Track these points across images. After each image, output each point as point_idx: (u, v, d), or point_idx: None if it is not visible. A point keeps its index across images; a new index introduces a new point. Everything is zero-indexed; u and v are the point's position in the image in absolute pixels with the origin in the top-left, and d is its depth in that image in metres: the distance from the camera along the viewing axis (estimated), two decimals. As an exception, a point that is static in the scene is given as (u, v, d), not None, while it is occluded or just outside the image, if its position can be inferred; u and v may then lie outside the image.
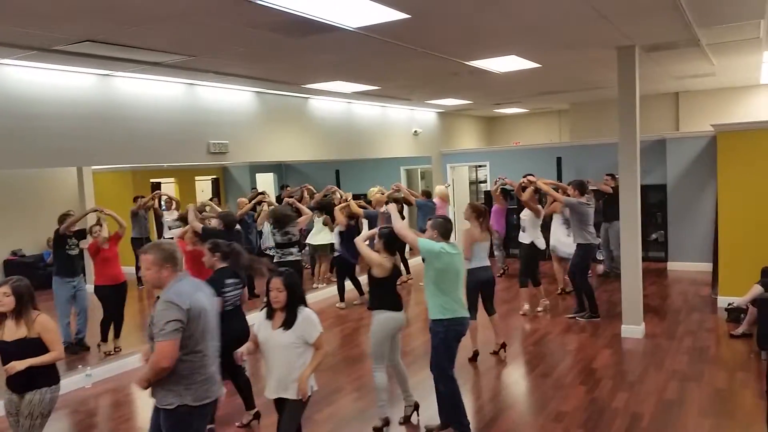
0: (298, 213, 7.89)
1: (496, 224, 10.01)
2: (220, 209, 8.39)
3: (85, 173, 8.48)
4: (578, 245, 7.50)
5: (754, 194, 7.54)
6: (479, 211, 6.13)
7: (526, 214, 7.95)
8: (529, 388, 5.58)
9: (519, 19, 5.22)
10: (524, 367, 6.15)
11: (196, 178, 10.43)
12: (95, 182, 8.64)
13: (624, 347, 6.52)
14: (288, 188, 10.44)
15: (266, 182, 11.55)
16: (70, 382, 5.99)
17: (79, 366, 6.34)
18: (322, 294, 9.48)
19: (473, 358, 6.27)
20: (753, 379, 5.41)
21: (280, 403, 3.70)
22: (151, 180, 9.75)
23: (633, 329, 6.80)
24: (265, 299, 3.67)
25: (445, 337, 4.44)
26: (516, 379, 5.87)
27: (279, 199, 11.26)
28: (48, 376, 3.87)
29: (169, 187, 9.97)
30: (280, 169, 11.94)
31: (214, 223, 6.69)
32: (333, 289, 9.15)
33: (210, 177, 10.53)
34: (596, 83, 9.83)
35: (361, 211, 8.69)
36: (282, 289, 3.53)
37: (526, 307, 7.96)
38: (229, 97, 7.86)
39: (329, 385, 5.80)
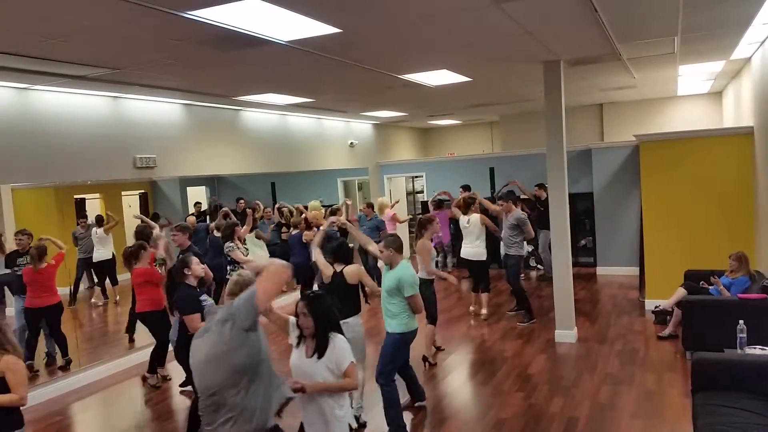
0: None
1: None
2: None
3: (3, 190, 8.03)
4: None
5: (676, 200, 7.91)
6: (420, 223, 6.30)
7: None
8: (470, 396, 5.63)
9: (448, 36, 5.30)
10: (464, 374, 6.21)
11: (123, 193, 10.01)
12: (15, 199, 8.19)
13: (558, 352, 6.68)
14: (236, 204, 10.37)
15: (198, 196, 11.24)
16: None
17: None
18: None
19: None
20: (679, 379, 5.65)
21: None
22: (75, 196, 9.31)
23: (566, 334, 6.99)
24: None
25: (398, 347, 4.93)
26: (456, 387, 5.91)
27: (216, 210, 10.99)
28: (5, 420, 3.45)
29: (95, 203, 9.55)
30: (212, 182, 11.66)
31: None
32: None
33: (138, 192, 10.14)
34: (524, 96, 10.11)
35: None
36: (308, 314, 3.24)
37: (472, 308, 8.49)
38: (156, 110, 7.62)
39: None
